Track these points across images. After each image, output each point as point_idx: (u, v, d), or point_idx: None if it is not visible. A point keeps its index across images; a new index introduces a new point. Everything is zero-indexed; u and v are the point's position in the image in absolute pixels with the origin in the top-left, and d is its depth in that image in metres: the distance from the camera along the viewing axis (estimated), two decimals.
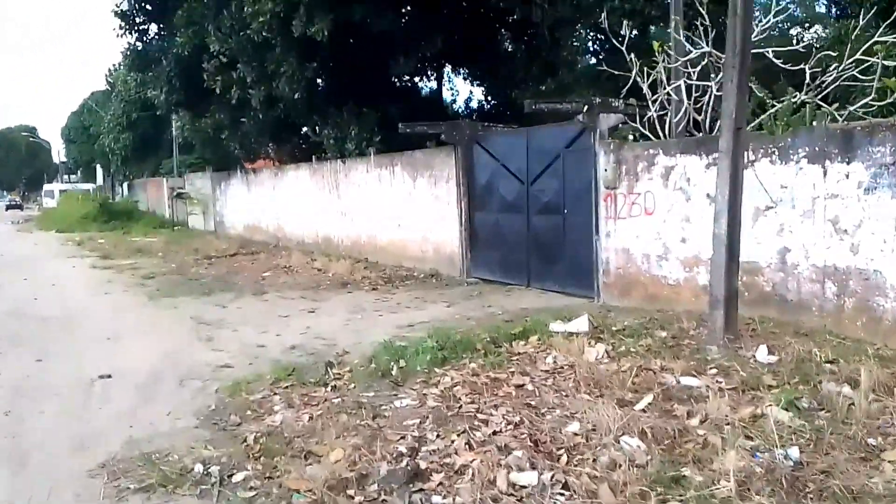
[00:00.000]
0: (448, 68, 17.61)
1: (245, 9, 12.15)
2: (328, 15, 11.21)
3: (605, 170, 7.59)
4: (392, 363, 5.12)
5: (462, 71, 18.13)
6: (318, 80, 14.22)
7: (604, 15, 7.92)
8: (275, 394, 4.82)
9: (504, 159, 9.58)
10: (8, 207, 61.64)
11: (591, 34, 18.43)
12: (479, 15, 14.13)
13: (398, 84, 16.00)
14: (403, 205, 11.82)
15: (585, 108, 7.65)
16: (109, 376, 5.57)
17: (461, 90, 61.45)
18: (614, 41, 7.79)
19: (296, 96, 13.16)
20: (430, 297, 9.01)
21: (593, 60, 20.65)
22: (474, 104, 19.06)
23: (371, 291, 9.68)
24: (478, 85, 18.78)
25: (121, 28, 17.12)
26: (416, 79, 17.12)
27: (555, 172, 8.63)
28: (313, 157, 15.42)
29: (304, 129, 16.88)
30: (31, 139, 75.88)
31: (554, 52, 13.93)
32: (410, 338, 6.21)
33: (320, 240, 14.72)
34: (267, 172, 17.99)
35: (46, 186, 57.52)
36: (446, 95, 18.54)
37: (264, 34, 12.12)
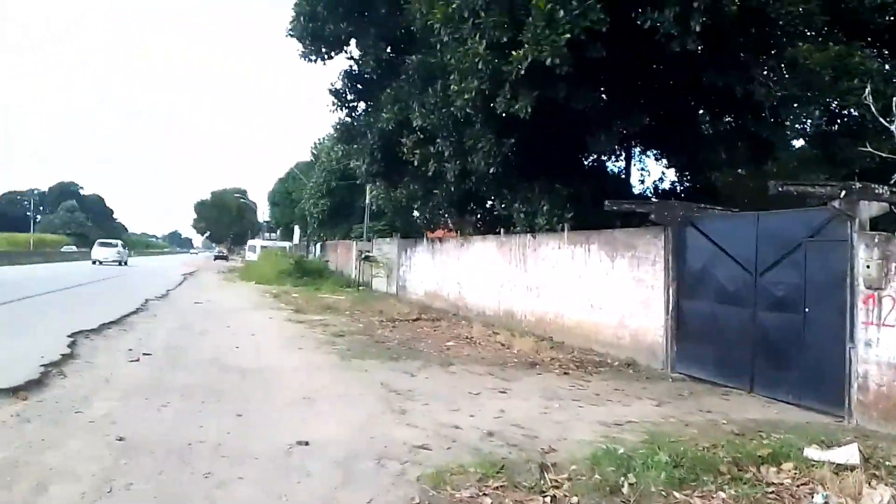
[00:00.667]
0: (637, 148, 16.90)
1: (450, 87, 12.55)
2: (532, 92, 11.17)
3: (867, 266, 6.34)
4: (621, 478, 4.38)
5: (653, 151, 17.29)
6: (510, 155, 14.26)
7: (866, 91, 6.84)
8: (484, 494, 4.28)
9: (725, 245, 8.54)
10: (216, 258, 71.50)
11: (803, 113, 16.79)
12: (684, 93, 13.38)
13: (586, 162, 15.63)
14: (598, 285, 11.08)
15: (843, 193, 6.54)
16: (307, 443, 5.42)
17: (651, 170, 59.90)
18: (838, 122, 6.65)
19: (490, 171, 13.25)
20: (631, 390, 8.09)
21: (799, 143, 18.77)
22: (665, 185, 18.01)
23: (562, 376, 8.96)
24: (669, 166, 17.75)
25: (334, 104, 18.70)
26: (604, 157, 16.62)
27: (793, 264, 7.45)
28: (501, 229, 15.32)
29: (490, 202, 16.98)
30: (241, 200, 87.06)
31: (775, 132, 12.63)
32: (626, 442, 5.44)
33: (502, 313, 14.32)
34: (452, 242, 18.20)
35: (250, 242, 64.86)
36: (634, 175, 17.78)
37: (467, 111, 12.39)
